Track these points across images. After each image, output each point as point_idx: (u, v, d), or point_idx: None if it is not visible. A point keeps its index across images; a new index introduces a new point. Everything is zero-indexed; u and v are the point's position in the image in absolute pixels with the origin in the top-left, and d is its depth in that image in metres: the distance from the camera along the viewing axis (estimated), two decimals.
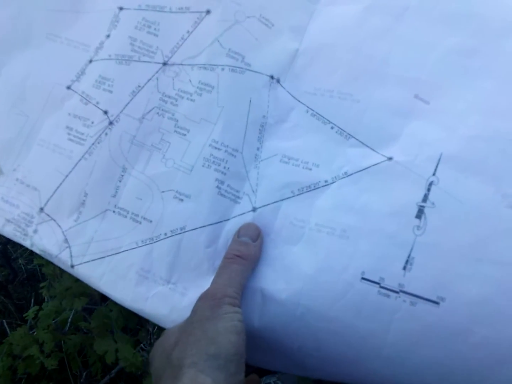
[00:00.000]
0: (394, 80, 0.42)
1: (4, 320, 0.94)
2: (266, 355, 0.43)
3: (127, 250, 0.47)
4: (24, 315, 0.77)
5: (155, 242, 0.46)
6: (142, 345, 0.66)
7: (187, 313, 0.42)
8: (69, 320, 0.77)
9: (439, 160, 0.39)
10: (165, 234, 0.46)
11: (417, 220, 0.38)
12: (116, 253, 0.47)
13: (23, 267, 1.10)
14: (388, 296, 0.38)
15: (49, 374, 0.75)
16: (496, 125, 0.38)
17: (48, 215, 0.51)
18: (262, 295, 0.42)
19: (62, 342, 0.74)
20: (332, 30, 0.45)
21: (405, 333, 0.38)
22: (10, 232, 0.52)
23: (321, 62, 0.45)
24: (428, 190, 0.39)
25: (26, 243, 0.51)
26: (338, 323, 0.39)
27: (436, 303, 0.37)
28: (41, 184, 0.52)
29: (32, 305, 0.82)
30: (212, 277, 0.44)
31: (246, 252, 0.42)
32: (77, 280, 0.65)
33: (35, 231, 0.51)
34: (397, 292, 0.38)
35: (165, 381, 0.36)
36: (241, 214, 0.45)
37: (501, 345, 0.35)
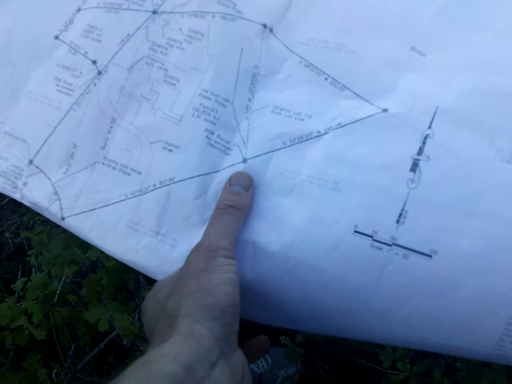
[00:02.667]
0: (390, 32, 0.40)
1: None
2: (257, 308, 0.43)
3: (116, 202, 0.46)
4: (12, 286, 0.76)
5: (144, 193, 0.46)
6: (131, 318, 0.66)
7: (177, 265, 0.42)
8: (58, 292, 0.77)
9: (434, 113, 0.38)
10: (154, 185, 0.45)
11: (411, 174, 0.37)
12: (105, 205, 0.47)
13: (9, 241, 1.10)
14: (380, 249, 0.38)
15: (38, 347, 0.76)
16: (492, 80, 0.37)
17: (37, 167, 0.50)
18: (253, 248, 0.42)
19: (51, 314, 0.74)
20: None
21: (396, 285, 0.37)
22: (0, 185, 0.51)
23: (316, 12, 0.43)
24: (424, 143, 0.38)
25: (16, 196, 0.51)
26: (329, 275, 0.39)
27: (429, 256, 0.36)
28: (30, 136, 0.51)
29: (19, 278, 0.81)
30: (202, 229, 0.43)
31: (239, 202, 0.41)
32: (66, 248, 0.65)
33: (25, 184, 0.50)
34: (389, 245, 0.37)
35: (159, 330, 0.36)
36: (231, 166, 0.44)
37: (490, 298, 0.35)
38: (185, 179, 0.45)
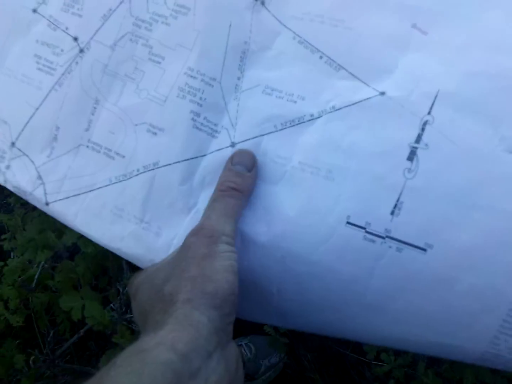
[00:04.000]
0: (391, 7, 0.37)
1: None
2: (244, 302, 0.41)
3: (101, 187, 0.44)
4: None
5: (128, 179, 0.44)
6: (112, 305, 0.65)
7: (163, 254, 0.41)
8: (36, 277, 0.75)
9: (435, 97, 0.35)
10: (138, 170, 0.43)
11: (408, 162, 0.35)
12: (90, 191, 0.45)
13: None
14: (373, 241, 0.36)
15: (16, 332, 0.74)
16: (500, 61, 0.34)
17: (20, 150, 0.48)
18: (241, 238, 0.40)
19: (30, 299, 0.72)
20: None
21: (389, 279, 0.36)
22: None
23: None
24: (422, 130, 0.35)
25: None
26: (320, 267, 0.37)
27: (423, 249, 0.35)
28: (11, 118, 0.48)
29: None
30: (187, 216, 0.42)
31: (242, 184, 0.39)
32: (41, 232, 0.63)
33: (8, 167, 0.48)
34: (383, 238, 0.36)
35: (154, 315, 0.35)
36: (219, 150, 0.41)
37: (486, 294, 0.34)
38: (170, 164, 0.42)
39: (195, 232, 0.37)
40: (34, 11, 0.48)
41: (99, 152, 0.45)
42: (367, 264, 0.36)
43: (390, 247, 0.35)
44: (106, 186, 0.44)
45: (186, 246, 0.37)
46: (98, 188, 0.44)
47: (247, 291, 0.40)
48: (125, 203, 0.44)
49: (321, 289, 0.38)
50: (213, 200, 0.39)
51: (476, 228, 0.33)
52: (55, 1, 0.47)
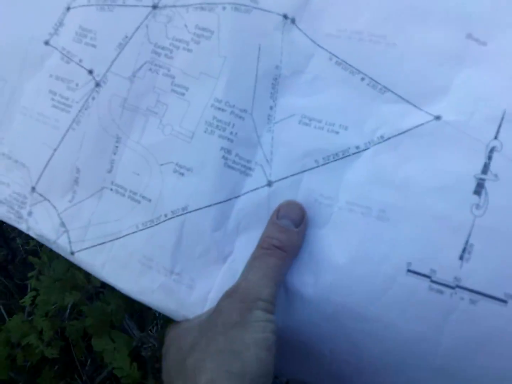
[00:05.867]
0: (439, 17, 0.33)
1: (1, 306, 0.91)
2: (293, 363, 0.37)
3: (127, 235, 0.40)
4: (20, 302, 0.72)
5: (155, 225, 0.40)
6: (143, 353, 0.61)
7: (198, 309, 0.38)
8: (69, 306, 0.72)
9: (502, 119, 0.31)
10: (165, 215, 0.39)
11: (475, 197, 0.30)
12: (116, 238, 0.41)
13: (21, 247, 1.06)
14: (441, 292, 0.31)
15: (54, 359, 0.72)
16: None
17: (41, 194, 0.45)
18: (285, 290, 0.35)
19: (66, 328, 0.69)
20: None
21: (463, 338, 0.31)
22: (4, 214, 0.47)
23: None
24: (489, 158, 0.30)
25: (22, 227, 0.46)
26: (378, 324, 0.33)
27: (504, 301, 0.30)
28: (30, 160, 0.45)
29: (29, 289, 0.77)
30: (223, 266, 0.37)
31: (287, 242, 0.34)
32: (68, 270, 0.59)
33: (30, 214, 0.45)
34: (452, 288, 0.31)
35: None
36: (254, 190, 0.37)
37: None
38: (200, 208, 0.38)
39: (229, 294, 0.33)
40: (46, 43, 0.45)
41: (123, 195, 0.41)
42: (435, 319, 0.31)
43: (462, 298, 0.30)
44: (132, 233, 0.40)
45: (217, 310, 0.33)
46: (124, 236, 0.41)
47: (295, 352, 0.36)
48: (153, 253, 0.40)
49: (380, 350, 0.33)
50: (253, 258, 0.35)
51: None
52: (67, 31, 0.44)
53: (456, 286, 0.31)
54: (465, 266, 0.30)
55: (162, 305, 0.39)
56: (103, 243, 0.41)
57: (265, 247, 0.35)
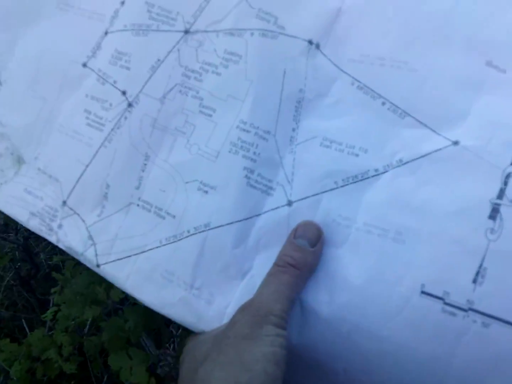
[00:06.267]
0: (460, 44, 0.33)
1: (23, 320, 0.93)
2: (307, 380, 0.37)
3: (151, 249, 0.42)
4: (42, 317, 0.74)
5: (178, 240, 0.41)
6: (159, 369, 0.62)
7: (216, 324, 0.38)
8: (89, 321, 0.73)
9: None
10: (188, 231, 0.40)
11: (490, 222, 0.31)
12: (141, 252, 0.42)
13: (44, 262, 1.09)
14: (454, 314, 0.31)
15: (72, 374, 0.73)
16: None
17: (71, 208, 0.46)
18: (301, 308, 0.36)
19: (84, 343, 0.70)
20: None
21: (474, 360, 0.31)
22: (36, 226, 0.48)
23: (369, 23, 0.37)
24: (505, 184, 0.31)
25: (52, 239, 0.48)
26: (392, 344, 0.33)
27: None
28: (62, 175, 0.47)
29: (51, 304, 0.79)
30: (241, 282, 0.38)
31: (302, 261, 0.35)
32: (89, 286, 0.61)
33: (60, 226, 0.47)
34: (465, 310, 0.31)
35: None
36: (275, 209, 0.38)
37: None
38: (222, 225, 0.39)
39: (243, 308, 0.34)
40: (84, 65, 0.47)
41: (149, 211, 0.42)
42: (447, 341, 0.31)
43: (474, 321, 0.30)
44: (156, 247, 0.42)
45: (231, 323, 0.34)
46: (148, 250, 0.42)
47: (309, 370, 0.36)
48: (175, 267, 0.41)
49: (393, 369, 0.33)
50: (269, 275, 0.36)
51: None
52: (103, 54, 0.46)
53: (469, 309, 0.31)
54: (478, 289, 0.30)
55: (181, 318, 0.40)
56: (128, 256, 0.43)
57: (280, 265, 0.35)
